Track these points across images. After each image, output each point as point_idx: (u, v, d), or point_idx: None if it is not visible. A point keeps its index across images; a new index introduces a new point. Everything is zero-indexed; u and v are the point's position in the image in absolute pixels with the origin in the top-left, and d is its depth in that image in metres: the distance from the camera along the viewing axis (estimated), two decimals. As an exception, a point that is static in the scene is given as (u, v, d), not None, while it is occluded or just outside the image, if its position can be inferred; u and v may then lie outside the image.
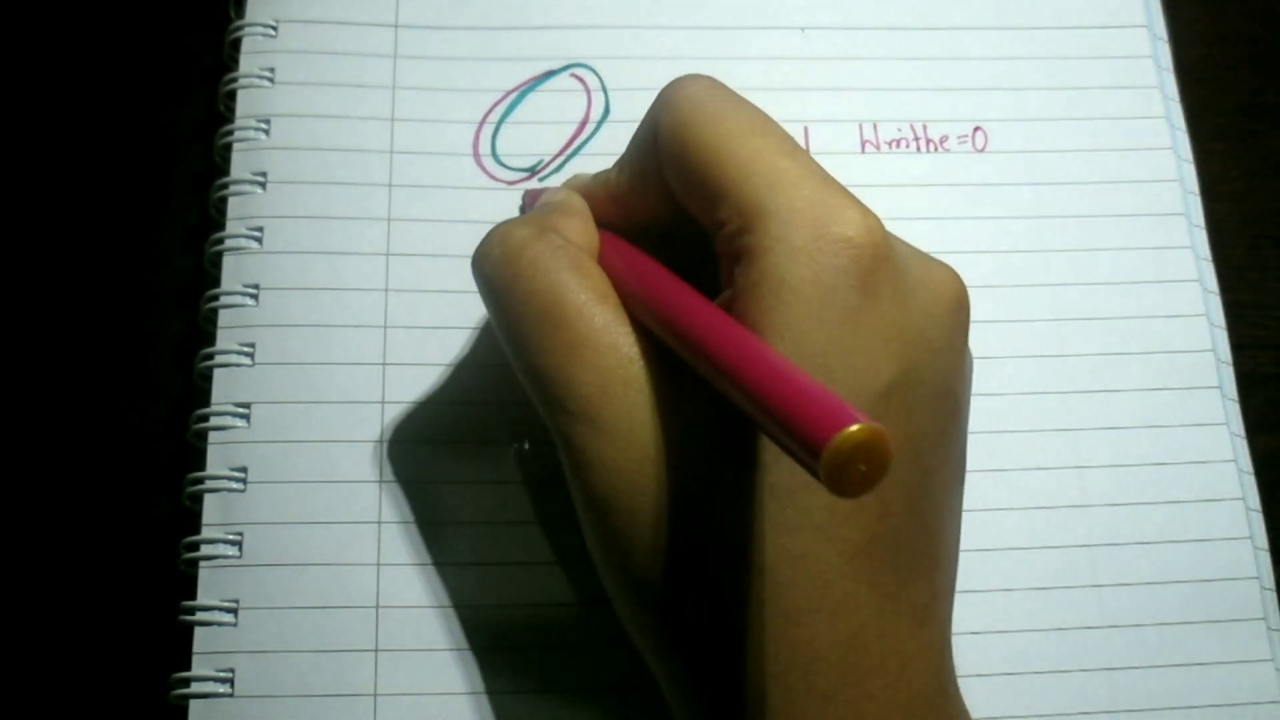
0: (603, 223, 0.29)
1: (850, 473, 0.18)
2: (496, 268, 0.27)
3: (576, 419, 0.25)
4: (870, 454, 0.18)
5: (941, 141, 0.38)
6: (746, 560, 0.24)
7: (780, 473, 0.24)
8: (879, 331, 0.24)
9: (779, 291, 0.23)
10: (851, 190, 0.25)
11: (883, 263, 0.24)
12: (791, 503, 0.23)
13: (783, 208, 0.24)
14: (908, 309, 0.24)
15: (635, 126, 0.37)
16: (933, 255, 0.26)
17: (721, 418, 0.24)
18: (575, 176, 0.31)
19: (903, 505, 0.24)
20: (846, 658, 0.23)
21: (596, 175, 0.30)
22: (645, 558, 0.25)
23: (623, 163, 0.29)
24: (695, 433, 0.25)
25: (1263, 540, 0.34)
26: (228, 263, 0.35)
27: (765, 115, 0.26)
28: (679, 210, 0.27)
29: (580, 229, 0.28)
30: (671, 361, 0.25)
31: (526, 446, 0.33)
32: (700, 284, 0.25)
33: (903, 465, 0.24)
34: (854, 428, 0.18)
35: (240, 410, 0.33)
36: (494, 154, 0.37)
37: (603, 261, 0.27)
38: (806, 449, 0.19)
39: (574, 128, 0.37)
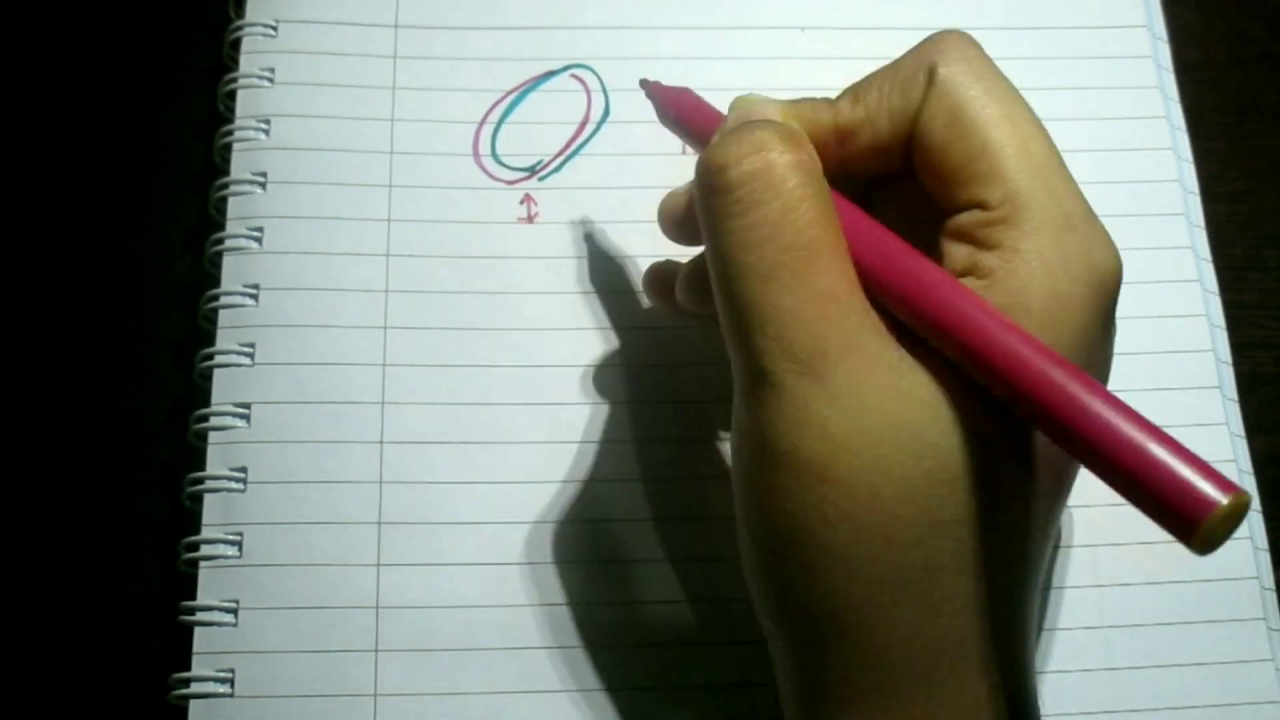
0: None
1: (1218, 536, 0.19)
2: (756, 178, 0.24)
3: (804, 371, 0.23)
4: (1235, 517, 0.19)
5: (941, 141, 0.38)
6: (974, 559, 0.23)
7: (1033, 482, 0.23)
8: (1102, 367, 0.24)
9: (1053, 307, 0.23)
10: None
11: (1116, 301, 0.24)
12: (1033, 508, 0.24)
13: (1059, 218, 0.24)
14: (1112, 346, 0.25)
15: (635, 127, 0.37)
16: None
17: (959, 413, 0.23)
18: (753, 101, 0.28)
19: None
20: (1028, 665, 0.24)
21: (814, 101, 0.27)
22: (850, 534, 0.23)
23: (862, 94, 0.27)
24: (927, 423, 0.23)
25: (1263, 540, 0.34)
26: (228, 263, 0.35)
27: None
28: (902, 161, 0.26)
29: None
30: (907, 341, 0.24)
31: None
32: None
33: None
34: (1225, 501, 0.19)
35: (240, 410, 0.33)
36: (494, 154, 0.37)
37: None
38: (1179, 523, 0.19)
39: (574, 128, 0.37)
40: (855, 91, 0.27)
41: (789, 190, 0.23)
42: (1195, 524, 0.19)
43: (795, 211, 0.23)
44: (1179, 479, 0.19)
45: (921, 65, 0.26)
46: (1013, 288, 0.23)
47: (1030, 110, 0.25)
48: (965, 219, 0.25)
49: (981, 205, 0.24)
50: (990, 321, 0.22)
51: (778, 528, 0.24)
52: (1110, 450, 0.20)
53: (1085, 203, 0.24)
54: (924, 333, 0.23)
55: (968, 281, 0.24)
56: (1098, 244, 0.24)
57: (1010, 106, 0.25)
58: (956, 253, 0.25)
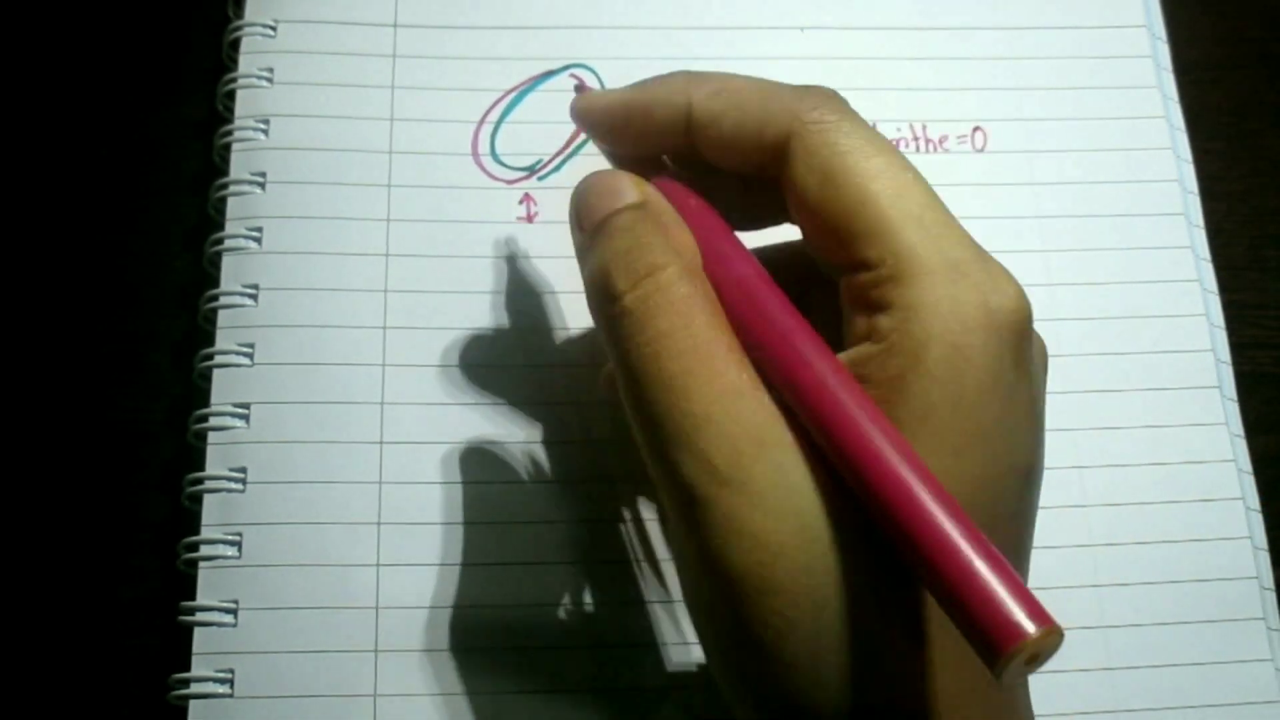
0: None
1: (1022, 667, 0.18)
2: (646, 297, 0.24)
3: (725, 479, 0.22)
4: (1042, 649, 0.18)
5: (941, 141, 0.38)
6: (922, 648, 0.22)
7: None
8: (1026, 408, 0.23)
9: (952, 360, 0.22)
10: None
11: (1030, 336, 0.23)
12: None
13: (948, 269, 0.23)
14: (1036, 383, 0.24)
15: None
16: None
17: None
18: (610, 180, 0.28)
19: None
20: None
21: (668, 80, 0.27)
22: (804, 643, 0.22)
23: (726, 91, 0.26)
24: (852, 509, 0.22)
25: (1262, 540, 0.34)
26: (228, 263, 0.35)
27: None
28: (755, 165, 0.25)
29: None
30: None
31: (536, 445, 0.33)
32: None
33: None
34: (1034, 634, 0.18)
35: (240, 410, 0.33)
36: (493, 153, 0.37)
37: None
38: (986, 646, 0.18)
39: (573, 128, 0.37)
40: (719, 87, 0.26)
41: (680, 299, 0.24)
42: (1001, 651, 0.18)
43: (688, 317, 0.23)
44: (998, 606, 0.18)
45: (786, 109, 0.25)
46: (909, 348, 0.23)
47: (904, 159, 0.24)
48: (855, 281, 0.24)
49: (866, 265, 0.23)
50: (840, 410, 0.22)
51: (740, 648, 0.23)
52: (931, 557, 0.20)
53: (974, 245, 0.24)
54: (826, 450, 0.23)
55: (866, 347, 0.23)
56: (993, 286, 0.23)
57: (883, 158, 0.24)
58: (855, 319, 0.24)
